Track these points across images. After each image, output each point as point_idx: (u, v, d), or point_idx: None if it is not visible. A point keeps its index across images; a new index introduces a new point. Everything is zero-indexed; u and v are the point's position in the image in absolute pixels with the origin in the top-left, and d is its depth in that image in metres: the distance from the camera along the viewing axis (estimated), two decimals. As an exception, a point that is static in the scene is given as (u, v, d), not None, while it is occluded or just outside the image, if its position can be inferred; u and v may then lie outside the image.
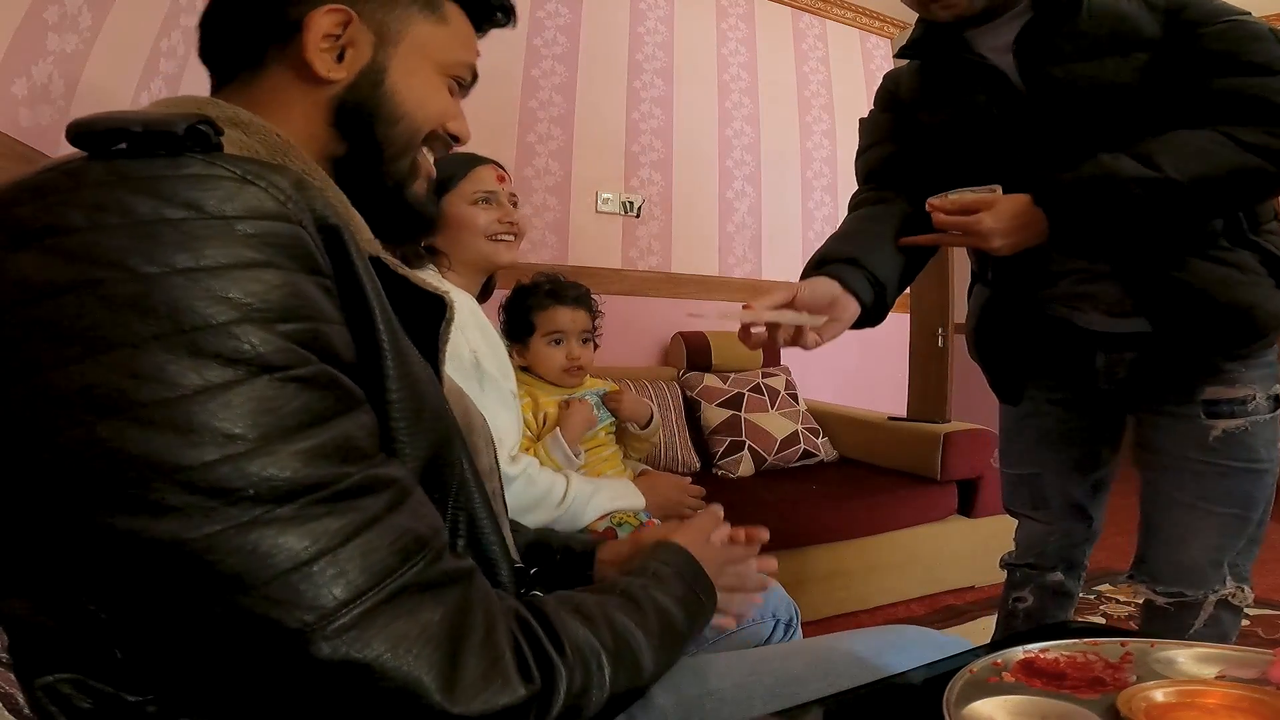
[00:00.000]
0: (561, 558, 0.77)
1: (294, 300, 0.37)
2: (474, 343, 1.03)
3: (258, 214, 0.37)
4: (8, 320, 0.34)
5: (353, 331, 0.42)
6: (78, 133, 0.38)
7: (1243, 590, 1.00)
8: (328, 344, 0.39)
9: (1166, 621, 1.03)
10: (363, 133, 0.54)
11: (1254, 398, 0.97)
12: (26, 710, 0.36)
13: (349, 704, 0.36)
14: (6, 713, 0.35)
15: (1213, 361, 0.98)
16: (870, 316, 1.00)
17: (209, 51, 0.55)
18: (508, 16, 0.64)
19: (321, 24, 0.51)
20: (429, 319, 0.53)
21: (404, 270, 0.51)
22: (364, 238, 0.50)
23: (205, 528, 0.33)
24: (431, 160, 0.60)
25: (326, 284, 0.40)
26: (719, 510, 0.77)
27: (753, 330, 0.89)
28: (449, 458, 0.50)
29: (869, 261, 0.98)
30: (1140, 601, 1.08)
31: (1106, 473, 1.19)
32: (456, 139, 0.61)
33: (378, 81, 0.54)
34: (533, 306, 1.27)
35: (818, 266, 0.99)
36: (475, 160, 1.13)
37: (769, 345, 0.94)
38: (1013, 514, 1.30)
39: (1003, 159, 0.98)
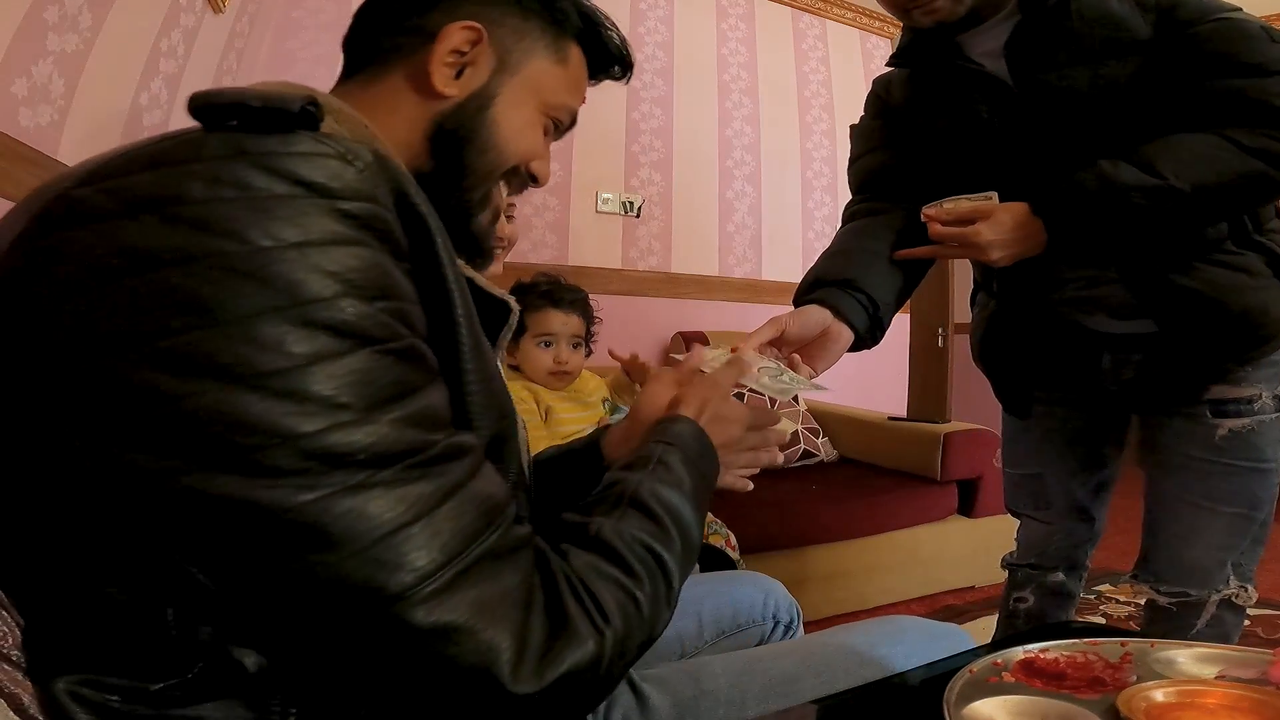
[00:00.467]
0: (566, 464, 0.71)
1: (385, 278, 0.39)
2: None
3: (356, 195, 0.39)
4: (121, 287, 0.34)
5: (430, 313, 0.43)
6: (199, 104, 0.39)
7: (1246, 590, 1.00)
8: (411, 320, 0.40)
9: (1169, 621, 1.03)
10: (452, 154, 0.55)
11: (1260, 397, 0.97)
12: (31, 711, 0.36)
13: (429, 667, 0.36)
14: (12, 713, 0.35)
15: (1221, 363, 0.97)
16: (865, 341, 0.97)
17: (351, 41, 0.57)
18: (625, 71, 0.64)
19: (454, 38, 0.53)
20: (488, 322, 0.53)
21: (469, 271, 0.52)
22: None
23: (314, 492, 0.34)
24: (505, 194, 0.61)
25: (406, 267, 0.41)
26: (745, 361, 0.69)
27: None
28: (511, 433, 0.51)
29: (865, 283, 0.95)
30: (1141, 602, 1.08)
31: (1110, 473, 1.19)
32: (535, 180, 0.61)
33: (483, 106, 0.55)
34: (526, 307, 1.27)
35: (811, 288, 0.96)
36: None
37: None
38: (1015, 514, 1.30)
39: (999, 165, 0.97)
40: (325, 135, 0.40)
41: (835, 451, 2.53)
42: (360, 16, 0.57)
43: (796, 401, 2.55)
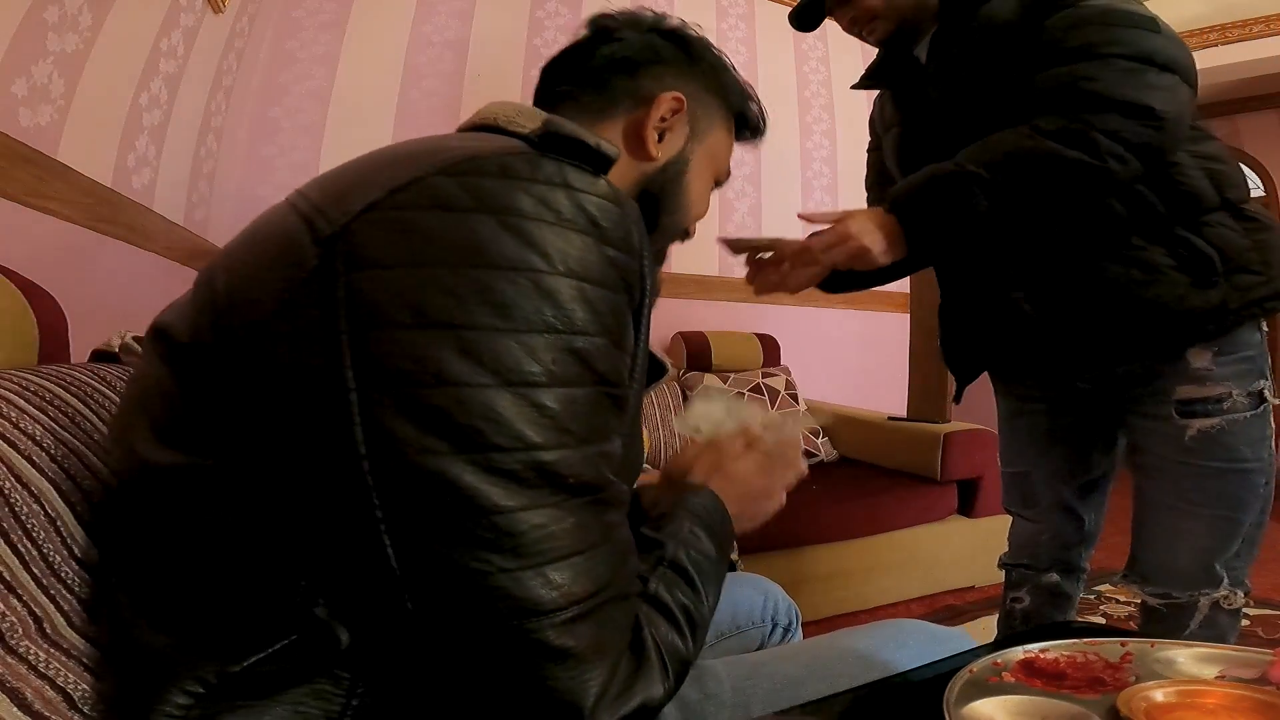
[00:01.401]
0: None
1: (624, 326, 0.43)
2: None
3: (622, 245, 0.43)
4: (449, 275, 0.38)
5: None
6: (549, 132, 0.45)
7: (1235, 594, 0.98)
8: (626, 372, 0.44)
9: (1162, 623, 1.02)
10: (650, 213, 0.57)
11: (1230, 395, 0.94)
12: (36, 706, 0.36)
13: (530, 682, 0.38)
14: (15, 709, 0.35)
15: (1181, 358, 0.96)
16: (834, 278, 1.04)
17: (561, 77, 0.62)
18: (757, 135, 0.72)
19: (664, 105, 0.57)
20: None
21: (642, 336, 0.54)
22: None
23: (521, 499, 0.37)
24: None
25: (631, 319, 0.45)
26: (760, 425, 0.73)
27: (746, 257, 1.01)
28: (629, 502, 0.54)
29: None
30: (1139, 602, 1.08)
31: (1099, 476, 1.18)
32: (688, 235, 0.66)
33: (681, 172, 0.60)
34: None
35: None
36: None
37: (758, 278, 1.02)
38: (1008, 512, 1.31)
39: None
40: (613, 185, 0.45)
41: (835, 451, 2.53)
42: (563, 63, 0.63)
43: (796, 401, 2.55)
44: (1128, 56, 0.83)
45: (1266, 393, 0.96)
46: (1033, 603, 1.24)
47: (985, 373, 1.24)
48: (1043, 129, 0.84)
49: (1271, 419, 0.97)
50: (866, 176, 1.27)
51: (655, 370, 0.58)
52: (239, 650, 0.39)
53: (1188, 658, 0.47)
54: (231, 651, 0.39)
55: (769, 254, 1.02)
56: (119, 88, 1.33)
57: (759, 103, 0.71)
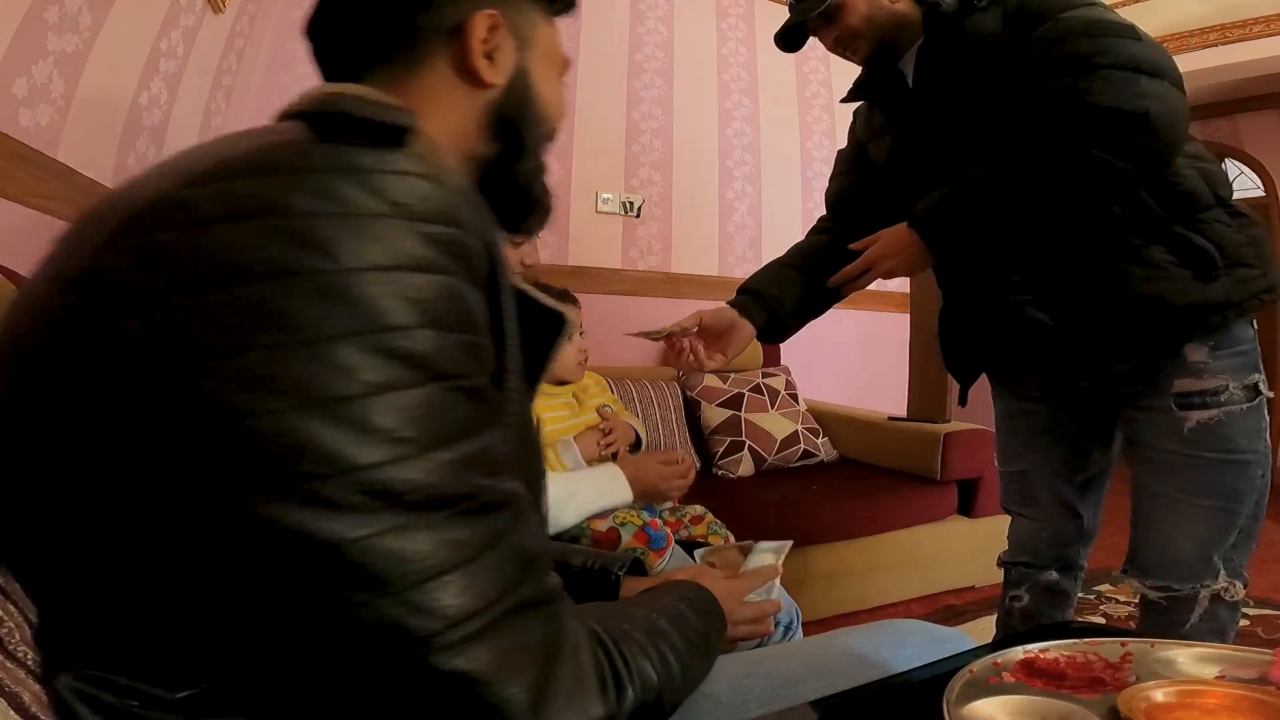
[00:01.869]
0: (584, 578, 0.79)
1: (464, 310, 0.38)
2: None
3: (441, 219, 0.38)
4: (213, 295, 0.33)
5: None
6: (306, 109, 0.39)
7: (1234, 585, 1.00)
8: (481, 356, 0.39)
9: (1161, 617, 1.03)
10: (513, 136, 0.56)
11: (1226, 388, 0.97)
12: (33, 710, 0.36)
13: (444, 712, 0.36)
14: (12, 711, 0.35)
15: (1179, 353, 0.98)
16: (768, 336, 1.20)
17: (337, 40, 0.54)
18: (569, 8, 0.64)
19: (479, 28, 0.53)
20: (545, 336, 0.53)
21: (527, 289, 0.52)
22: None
23: (363, 529, 0.33)
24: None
25: (482, 297, 0.41)
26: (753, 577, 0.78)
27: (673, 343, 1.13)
28: (539, 489, 0.51)
29: (770, 294, 1.18)
30: (1139, 597, 1.08)
31: (1097, 472, 1.19)
32: (553, 136, 0.63)
33: (526, 84, 0.56)
34: None
35: (736, 293, 1.21)
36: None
37: (676, 362, 1.17)
38: (1007, 511, 1.31)
39: (926, 180, 1.04)
40: (419, 155, 0.40)
41: (835, 451, 2.53)
42: (344, 22, 0.54)
43: (796, 401, 2.55)
44: (1118, 66, 0.85)
45: (1261, 386, 0.98)
46: (1032, 601, 1.24)
47: (985, 374, 1.25)
48: (1045, 146, 0.87)
49: (1266, 412, 1.00)
50: (837, 164, 1.34)
51: (550, 324, 0.53)
52: (167, 680, 0.37)
53: (1188, 658, 0.47)
54: (161, 679, 0.37)
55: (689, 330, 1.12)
56: (119, 88, 1.33)
57: None
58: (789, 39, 1.12)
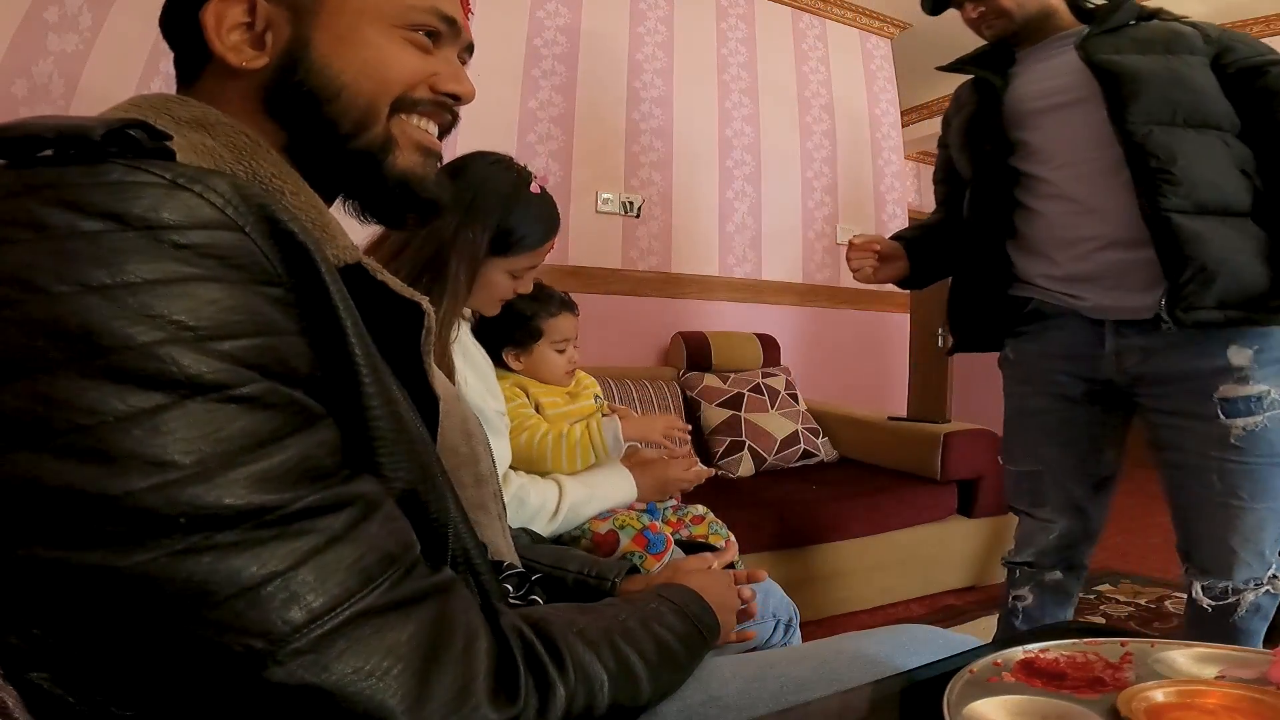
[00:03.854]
0: (577, 592, 0.79)
1: (233, 315, 0.35)
2: (463, 373, 1.03)
3: (191, 223, 0.35)
4: None
5: (321, 344, 0.39)
6: (13, 137, 0.35)
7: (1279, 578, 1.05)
8: (279, 358, 0.37)
9: (1213, 609, 1.07)
10: (304, 116, 0.50)
11: (1269, 394, 0.99)
12: (15, 714, 0.36)
13: None
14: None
15: (1222, 357, 1.00)
16: (908, 281, 1.36)
17: (173, 48, 0.53)
18: None
19: (227, 14, 0.48)
20: (410, 328, 0.50)
21: (384, 276, 0.49)
22: (339, 244, 0.48)
23: (137, 555, 0.32)
24: (432, 129, 0.55)
25: (278, 294, 0.38)
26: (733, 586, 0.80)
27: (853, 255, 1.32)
28: (434, 485, 0.47)
29: (914, 248, 1.34)
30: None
31: (1109, 474, 1.20)
32: (457, 98, 0.55)
33: (300, 58, 0.49)
34: (546, 315, 1.28)
35: (895, 236, 1.38)
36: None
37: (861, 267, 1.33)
38: (1014, 511, 1.31)
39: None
40: (152, 161, 0.36)
41: (835, 451, 2.53)
42: (165, 22, 0.52)
43: (796, 401, 2.55)
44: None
45: None
46: (1035, 600, 1.25)
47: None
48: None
49: None
50: (935, 172, 1.43)
51: (410, 317, 0.49)
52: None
53: (1188, 658, 0.47)
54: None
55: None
56: (119, 88, 1.33)
57: None
58: (936, 2, 1.21)
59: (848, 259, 1.33)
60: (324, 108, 0.50)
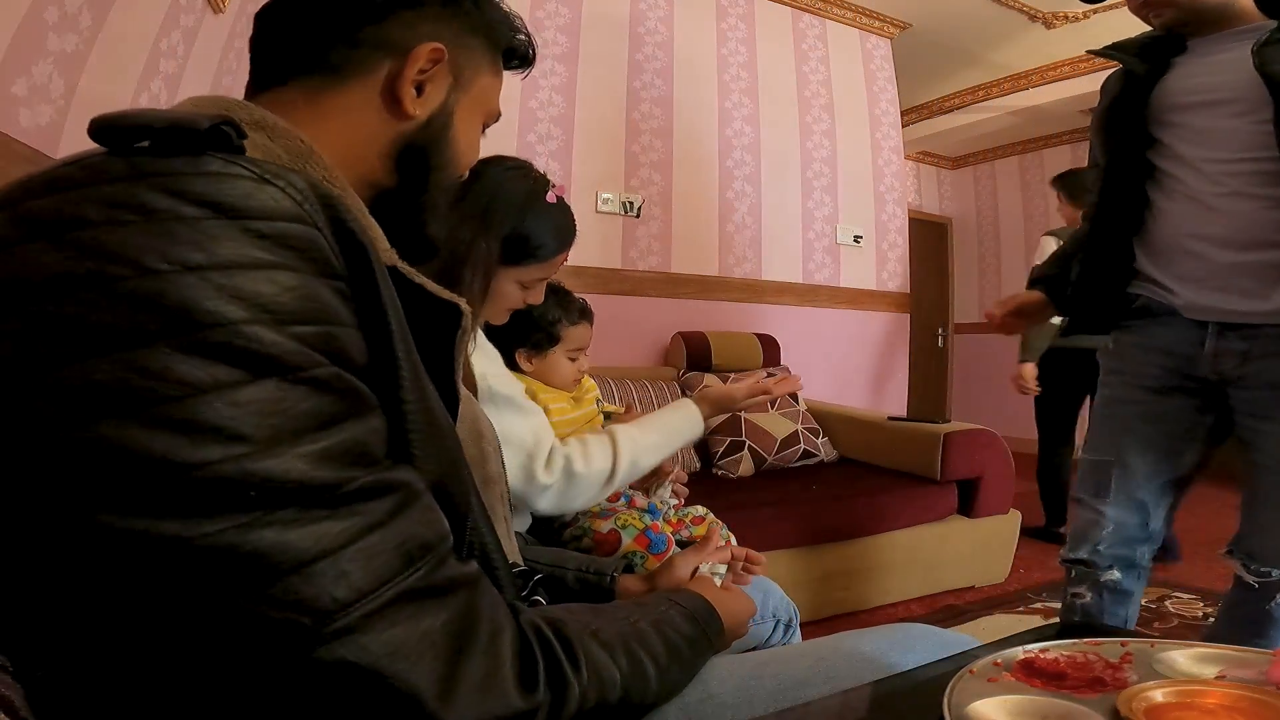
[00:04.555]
0: (579, 590, 0.81)
1: (306, 303, 0.37)
2: (482, 366, 1.02)
3: (273, 214, 0.37)
4: (16, 315, 0.33)
5: (367, 338, 0.41)
6: (100, 128, 0.38)
7: None
8: (340, 347, 0.39)
9: (1248, 594, 1.11)
10: (418, 171, 0.55)
11: None
12: (23, 714, 0.36)
13: (344, 708, 0.36)
14: (4, 715, 0.35)
15: None
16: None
17: (269, 46, 0.54)
18: (526, 65, 0.66)
19: (422, 57, 0.52)
20: (445, 329, 0.53)
21: (420, 278, 0.51)
22: (381, 247, 0.49)
23: (206, 526, 0.33)
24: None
25: (341, 287, 0.40)
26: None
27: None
28: (459, 479, 0.50)
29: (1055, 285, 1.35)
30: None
31: (1182, 476, 1.21)
32: (462, 178, 0.63)
33: (446, 125, 0.56)
34: (565, 322, 1.28)
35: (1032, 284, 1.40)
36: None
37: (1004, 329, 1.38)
38: (1076, 501, 1.31)
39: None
40: (242, 157, 0.39)
41: (835, 451, 2.53)
42: (288, 20, 0.53)
43: (796, 401, 2.55)
44: None
45: None
46: (1094, 599, 1.25)
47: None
48: None
49: None
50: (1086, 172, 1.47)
51: (448, 316, 0.52)
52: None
53: (1188, 658, 0.47)
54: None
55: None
56: (119, 88, 1.33)
57: (526, 32, 0.64)
58: None
59: (995, 325, 1.37)
60: (436, 172, 0.57)
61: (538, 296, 1.07)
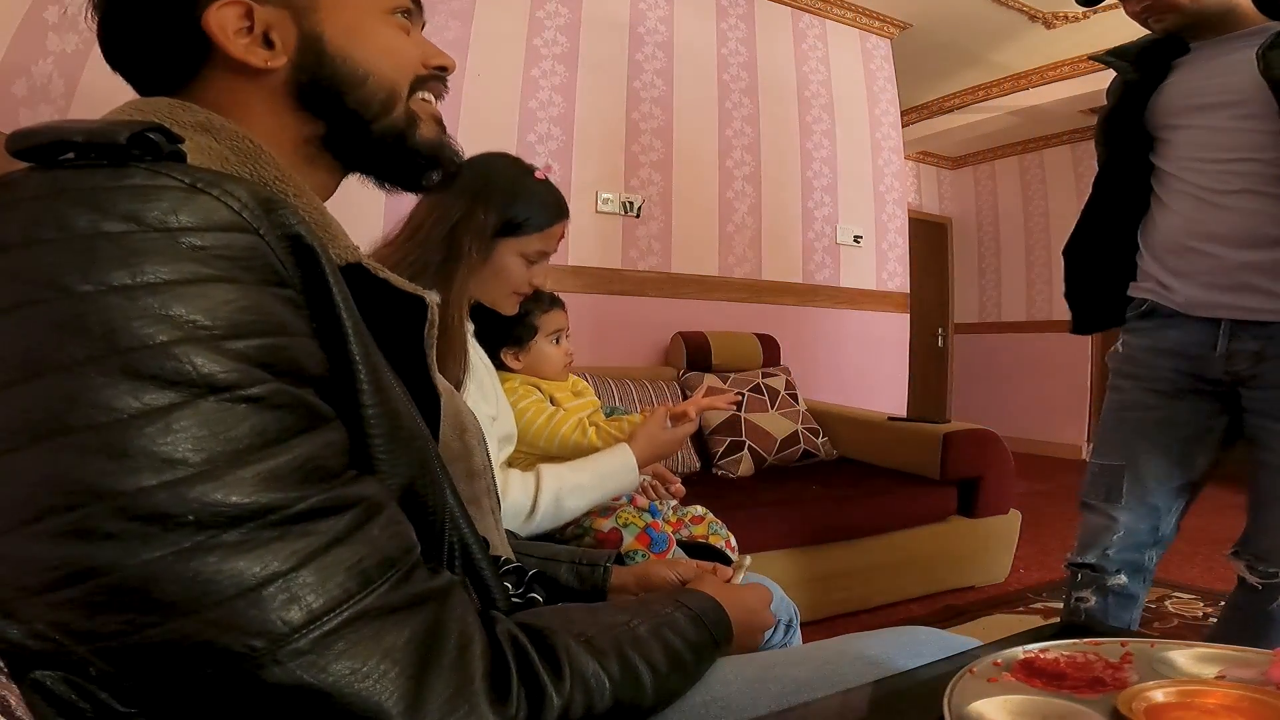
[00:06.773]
0: (573, 583, 0.80)
1: (247, 315, 0.36)
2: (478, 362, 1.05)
3: (209, 225, 0.36)
4: None
5: (325, 345, 0.40)
6: (17, 146, 0.36)
7: None
8: (290, 358, 0.37)
9: (1252, 596, 1.11)
10: (334, 105, 0.52)
11: None
12: (18, 713, 0.36)
13: None
14: (1, 716, 0.35)
15: None
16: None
17: (123, 61, 0.53)
18: None
19: (226, 20, 0.48)
20: (414, 323, 0.51)
21: (385, 273, 0.49)
22: (340, 244, 0.48)
23: (143, 554, 0.32)
24: (434, 102, 0.58)
25: (290, 295, 0.39)
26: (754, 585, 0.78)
27: None
28: (432, 480, 0.48)
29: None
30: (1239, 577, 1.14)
31: (1194, 481, 1.21)
32: (444, 70, 0.58)
33: (320, 50, 0.51)
34: (537, 311, 1.30)
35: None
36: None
37: None
38: (1085, 505, 1.30)
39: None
40: (172, 165, 0.37)
41: (835, 451, 2.53)
42: (115, 37, 0.53)
43: (796, 401, 2.55)
44: None
45: None
46: (1098, 603, 1.24)
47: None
48: None
49: None
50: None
51: (413, 312, 0.50)
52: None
53: (1188, 658, 0.47)
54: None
55: None
56: (119, 88, 1.33)
57: None
58: None
59: None
60: (349, 95, 0.52)
61: (541, 275, 1.10)
